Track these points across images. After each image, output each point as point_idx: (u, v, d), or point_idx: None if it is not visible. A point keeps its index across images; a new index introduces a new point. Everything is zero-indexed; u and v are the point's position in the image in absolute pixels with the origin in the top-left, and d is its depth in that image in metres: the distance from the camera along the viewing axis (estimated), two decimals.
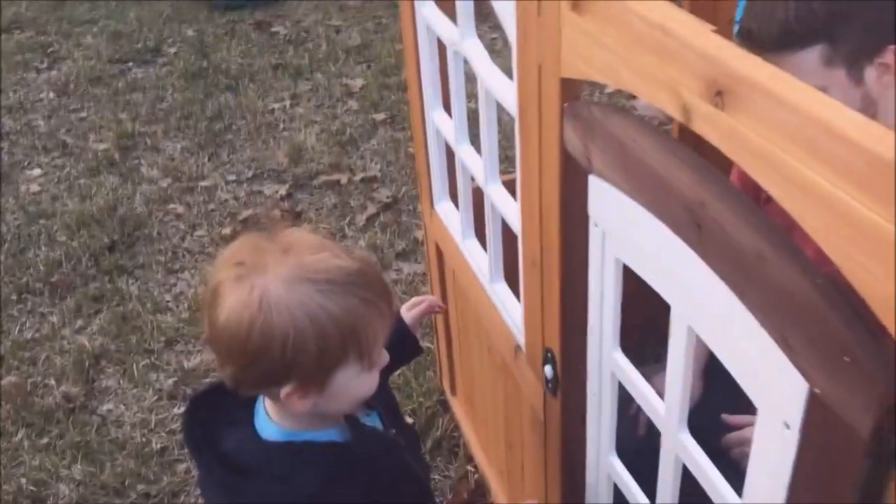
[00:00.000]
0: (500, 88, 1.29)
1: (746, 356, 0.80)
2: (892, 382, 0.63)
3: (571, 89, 1.03)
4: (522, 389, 1.54)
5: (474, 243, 1.72)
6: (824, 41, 1.25)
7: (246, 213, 3.19)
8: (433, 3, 1.54)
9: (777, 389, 0.76)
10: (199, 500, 2.15)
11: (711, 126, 0.76)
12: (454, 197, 1.79)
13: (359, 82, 4.01)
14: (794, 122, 0.66)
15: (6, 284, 2.93)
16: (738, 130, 0.72)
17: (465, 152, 1.60)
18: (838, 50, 1.25)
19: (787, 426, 0.76)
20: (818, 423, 0.72)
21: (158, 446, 2.29)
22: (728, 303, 0.79)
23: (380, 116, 3.72)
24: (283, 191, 3.31)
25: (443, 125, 1.68)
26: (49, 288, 2.89)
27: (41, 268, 2.98)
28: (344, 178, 3.35)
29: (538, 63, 1.07)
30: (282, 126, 3.74)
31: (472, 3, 1.39)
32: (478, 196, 1.60)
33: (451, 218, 1.81)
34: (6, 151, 3.73)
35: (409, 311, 1.47)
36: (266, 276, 0.99)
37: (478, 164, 1.51)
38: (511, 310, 1.53)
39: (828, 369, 0.69)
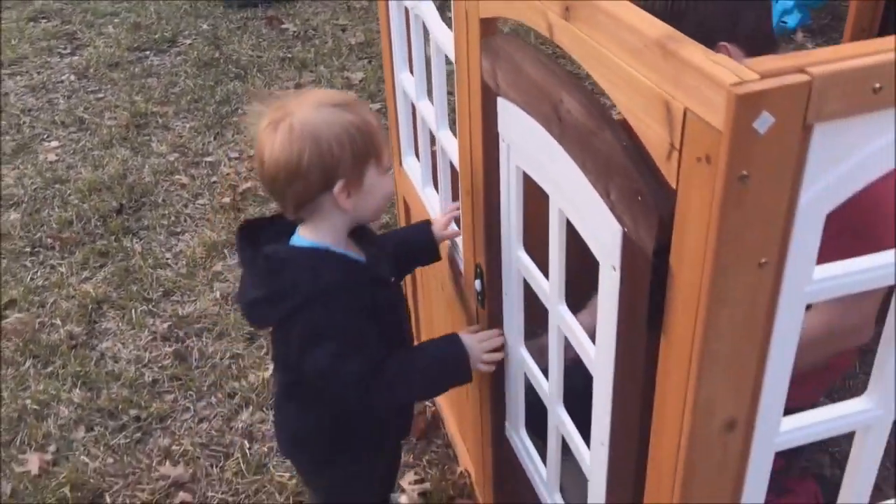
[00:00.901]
0: (445, 40, 1.53)
1: (588, 217, 1.03)
2: (665, 211, 0.86)
3: (488, 27, 1.27)
4: (464, 312, 1.77)
5: (431, 190, 1.96)
6: None
7: (245, 186, 3.44)
8: None
9: (606, 238, 0.99)
10: (184, 425, 2.38)
11: (565, 36, 0.99)
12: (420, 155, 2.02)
13: (359, 75, 4.27)
14: (607, 23, 0.89)
15: (21, 238, 3.18)
16: (577, 35, 0.95)
17: (423, 106, 1.84)
18: None
19: (614, 268, 0.98)
20: (627, 256, 0.94)
21: (150, 379, 2.53)
22: (577, 178, 1.02)
23: (375, 106, 3.96)
24: None
25: (407, 84, 1.92)
26: (59, 243, 3.14)
27: (54, 225, 3.24)
28: None
29: (465, 10, 1.31)
30: None
31: None
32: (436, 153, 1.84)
33: (414, 170, 2.05)
34: (27, 125, 4.00)
35: (441, 230, 1.71)
36: (296, 114, 1.34)
37: (431, 114, 1.75)
38: (457, 243, 1.76)
39: (630, 210, 0.92)
